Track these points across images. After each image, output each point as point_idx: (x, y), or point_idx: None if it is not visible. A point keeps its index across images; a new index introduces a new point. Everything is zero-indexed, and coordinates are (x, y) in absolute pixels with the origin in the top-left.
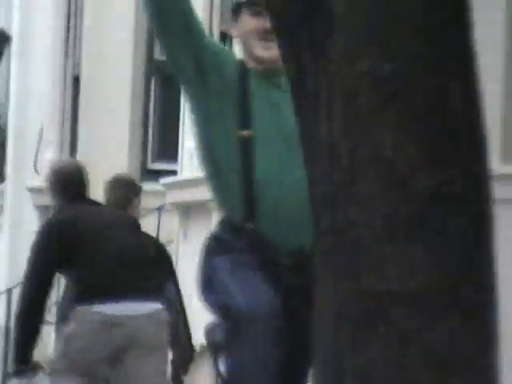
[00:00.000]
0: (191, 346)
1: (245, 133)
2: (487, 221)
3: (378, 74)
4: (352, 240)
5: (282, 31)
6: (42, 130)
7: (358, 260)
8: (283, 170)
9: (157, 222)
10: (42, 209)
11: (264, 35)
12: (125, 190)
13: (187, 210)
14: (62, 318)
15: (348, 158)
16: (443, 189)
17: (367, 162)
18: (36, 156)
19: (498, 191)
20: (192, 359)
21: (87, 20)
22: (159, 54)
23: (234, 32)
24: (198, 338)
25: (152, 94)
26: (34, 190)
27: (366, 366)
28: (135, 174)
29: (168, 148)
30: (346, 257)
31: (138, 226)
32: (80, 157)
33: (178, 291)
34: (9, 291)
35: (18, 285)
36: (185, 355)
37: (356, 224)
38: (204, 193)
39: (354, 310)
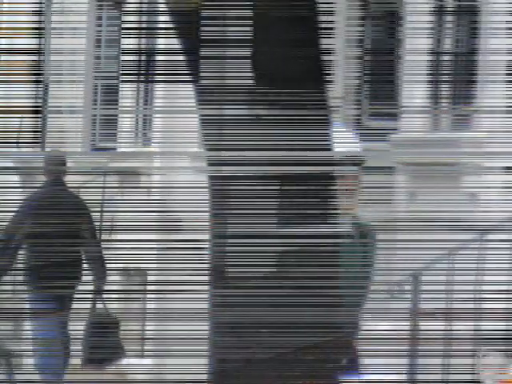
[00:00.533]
0: (102, 271)
1: None
2: (332, 183)
3: (241, 79)
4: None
5: (182, 30)
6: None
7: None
8: None
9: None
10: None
11: None
12: (57, 162)
13: (125, 177)
14: None
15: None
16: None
17: (247, 130)
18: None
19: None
20: (102, 281)
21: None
22: (103, 65)
23: None
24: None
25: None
26: None
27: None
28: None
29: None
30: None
31: (62, 183)
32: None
33: (92, 229)
34: None
35: None
36: (96, 279)
37: (247, 192)
38: (137, 162)
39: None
